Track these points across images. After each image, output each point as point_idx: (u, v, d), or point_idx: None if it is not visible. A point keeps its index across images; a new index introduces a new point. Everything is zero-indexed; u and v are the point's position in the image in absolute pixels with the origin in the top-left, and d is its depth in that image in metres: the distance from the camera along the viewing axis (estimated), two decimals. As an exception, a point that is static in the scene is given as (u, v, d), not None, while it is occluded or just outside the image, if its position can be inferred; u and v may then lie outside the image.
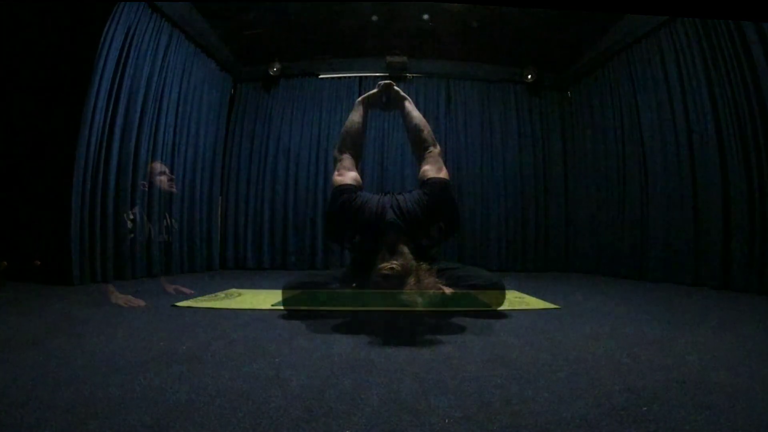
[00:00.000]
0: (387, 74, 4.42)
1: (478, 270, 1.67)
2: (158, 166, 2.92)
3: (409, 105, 1.77)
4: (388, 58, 4.26)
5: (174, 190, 3.14)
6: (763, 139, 2.35)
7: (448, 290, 1.39)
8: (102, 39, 2.54)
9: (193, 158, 3.68)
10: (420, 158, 1.66)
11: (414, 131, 1.71)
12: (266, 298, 1.94)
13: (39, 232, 2.56)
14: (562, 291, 2.54)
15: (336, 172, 1.60)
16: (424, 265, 1.34)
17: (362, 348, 1.05)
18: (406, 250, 1.38)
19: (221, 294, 2.10)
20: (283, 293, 1.57)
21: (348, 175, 1.58)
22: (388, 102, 1.86)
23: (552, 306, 1.81)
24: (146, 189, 2.77)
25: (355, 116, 1.75)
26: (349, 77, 4.49)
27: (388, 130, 4.42)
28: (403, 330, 1.28)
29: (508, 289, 1.74)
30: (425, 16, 3.67)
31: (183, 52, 3.43)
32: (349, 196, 1.48)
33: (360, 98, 1.83)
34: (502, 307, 1.64)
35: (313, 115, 4.45)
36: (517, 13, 3.55)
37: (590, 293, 2.45)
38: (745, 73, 2.43)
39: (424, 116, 1.79)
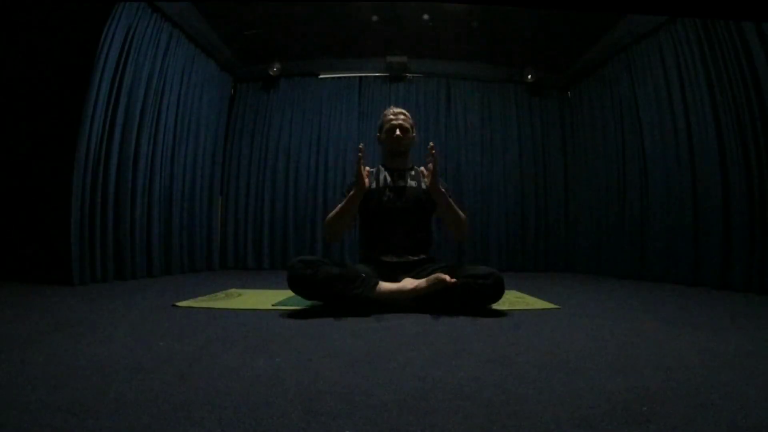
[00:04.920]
0: (387, 74, 4.42)
1: (477, 265, 1.68)
2: None
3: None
4: (388, 58, 4.26)
5: None
6: (763, 139, 2.35)
7: (449, 279, 1.47)
8: (102, 39, 2.54)
9: (193, 158, 3.68)
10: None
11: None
12: (266, 298, 1.93)
13: (39, 232, 2.56)
14: (562, 291, 2.53)
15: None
16: (426, 257, 1.41)
17: (362, 348, 1.04)
18: (409, 241, 1.49)
19: (221, 294, 2.10)
20: (289, 268, 1.52)
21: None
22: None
23: (552, 306, 1.81)
24: None
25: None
26: (349, 77, 4.49)
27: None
28: (403, 329, 1.28)
29: (508, 289, 1.74)
30: (425, 16, 3.67)
31: (183, 52, 3.43)
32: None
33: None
34: (502, 307, 1.64)
35: (313, 115, 4.45)
36: (517, 13, 3.55)
37: (590, 293, 2.45)
38: (745, 73, 2.43)
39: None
